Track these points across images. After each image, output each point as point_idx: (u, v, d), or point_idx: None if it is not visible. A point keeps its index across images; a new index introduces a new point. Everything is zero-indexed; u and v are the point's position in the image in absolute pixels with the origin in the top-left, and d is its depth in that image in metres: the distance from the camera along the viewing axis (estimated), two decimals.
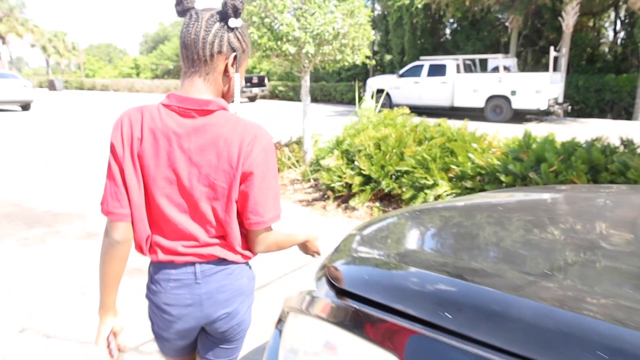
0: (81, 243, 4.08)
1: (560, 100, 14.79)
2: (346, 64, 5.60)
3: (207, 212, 1.16)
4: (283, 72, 25.43)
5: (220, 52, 1.14)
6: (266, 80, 22.55)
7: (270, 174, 1.17)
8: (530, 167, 4.06)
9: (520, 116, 14.34)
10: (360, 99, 8.14)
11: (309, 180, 5.64)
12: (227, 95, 1.24)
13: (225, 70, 1.18)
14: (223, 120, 1.15)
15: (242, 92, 21.22)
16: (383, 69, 21.49)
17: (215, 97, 1.18)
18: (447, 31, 22.18)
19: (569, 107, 14.96)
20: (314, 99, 21.46)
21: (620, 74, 16.39)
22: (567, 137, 4.64)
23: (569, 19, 15.08)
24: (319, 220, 4.70)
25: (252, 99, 22.33)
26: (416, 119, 5.61)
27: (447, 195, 4.33)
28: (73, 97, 27.85)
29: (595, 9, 18.24)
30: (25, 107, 17.87)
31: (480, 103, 14.45)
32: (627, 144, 4.26)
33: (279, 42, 5.05)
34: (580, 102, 16.40)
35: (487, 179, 4.30)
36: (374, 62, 5.56)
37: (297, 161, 6.20)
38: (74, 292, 3.17)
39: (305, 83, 5.92)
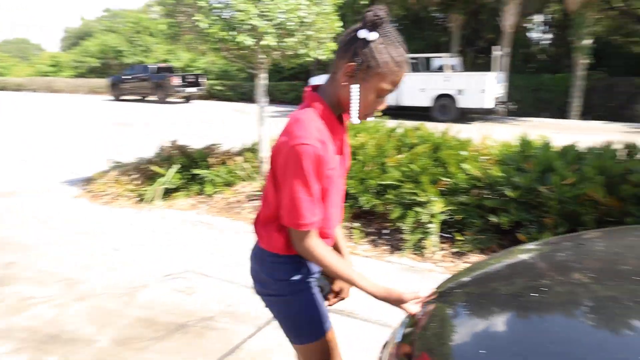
0: None
1: (503, 99, 14.92)
2: (309, 59, 4.83)
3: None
4: (220, 70, 24.13)
5: (343, 56, 1.19)
6: (202, 79, 21.21)
7: (288, 181, 1.18)
8: (536, 178, 3.51)
9: (465, 115, 14.28)
10: None
11: None
12: (347, 107, 1.23)
13: (342, 77, 1.20)
14: (297, 113, 1.23)
15: (177, 91, 19.81)
16: (324, 67, 20.90)
17: (320, 94, 1.26)
18: None
19: (512, 107, 15.14)
20: (252, 99, 20.50)
21: (555, 73, 16.88)
22: (510, 137, 4.20)
23: (509, 19, 15.26)
24: None
25: (187, 99, 20.91)
26: (391, 123, 4.96)
27: (442, 213, 3.70)
28: None
29: (531, 10, 18.73)
30: None
31: (427, 102, 14.24)
32: (631, 148, 3.84)
33: (232, 33, 4.18)
34: (520, 101, 16.70)
35: (486, 193, 3.71)
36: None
37: (254, 172, 5.35)
38: None
39: (261, 82, 5.08)
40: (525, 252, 1.52)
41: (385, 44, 1.16)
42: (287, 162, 1.18)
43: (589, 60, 14.81)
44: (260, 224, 1.37)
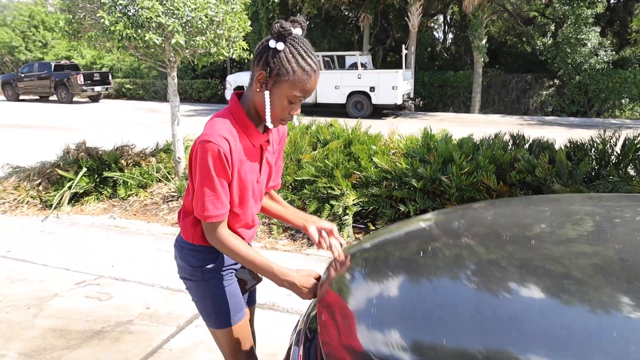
0: None
1: (412, 95, 15.75)
2: (222, 57, 4.83)
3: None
4: (129, 68, 22.97)
5: (257, 64, 1.26)
6: (110, 78, 20.07)
7: (199, 175, 1.26)
8: (438, 169, 3.83)
9: (378, 111, 14.89)
10: None
11: None
12: (261, 112, 1.29)
13: (255, 84, 1.27)
14: (216, 114, 1.32)
15: (83, 90, 18.59)
16: (241, 65, 20.66)
17: (242, 99, 1.35)
18: None
19: (421, 102, 16.03)
20: (165, 98, 19.77)
21: (457, 71, 18.11)
22: (418, 131, 4.58)
23: (414, 19, 16.10)
24: None
25: (94, 98, 19.67)
26: (305, 120, 5.10)
27: (355, 205, 3.90)
28: None
29: (434, 11, 19.90)
30: None
31: (342, 99, 14.65)
32: (518, 139, 4.31)
33: (139, 31, 4.07)
34: (427, 97, 17.73)
35: (395, 184, 3.97)
36: (252, 55, 4.85)
37: (169, 173, 5.24)
38: None
39: (173, 81, 4.99)
40: (421, 221, 1.71)
41: (292, 54, 1.22)
42: (195, 157, 1.27)
43: (486, 58, 16.06)
44: (181, 215, 1.46)
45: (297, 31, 1.24)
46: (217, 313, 1.46)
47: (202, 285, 1.45)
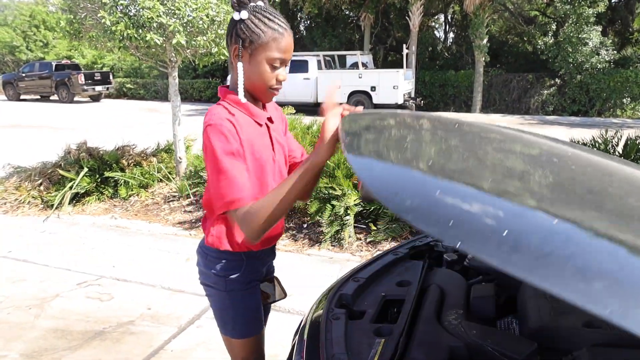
0: None
1: (413, 95, 15.74)
2: (223, 57, 4.82)
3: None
4: (130, 67, 22.98)
5: (229, 43, 1.27)
6: (111, 77, 20.06)
7: (209, 162, 1.21)
8: None
9: None
10: None
11: (188, 197, 4.74)
12: (249, 87, 1.29)
13: (233, 61, 1.26)
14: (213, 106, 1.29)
15: (84, 90, 18.61)
16: None
17: (230, 87, 1.31)
18: (301, 27, 22.22)
19: (422, 102, 16.01)
20: (166, 98, 19.79)
21: (458, 70, 18.09)
22: None
23: (415, 18, 16.08)
24: None
25: (95, 98, 19.66)
26: (306, 119, 5.09)
27: (356, 205, 3.89)
28: None
29: (435, 10, 19.89)
30: None
31: (342, 99, 14.62)
32: None
33: (140, 31, 4.07)
34: (428, 97, 17.71)
35: None
36: None
37: (170, 173, 5.24)
38: None
39: (174, 80, 4.98)
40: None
41: (258, 18, 1.21)
42: (205, 147, 1.22)
43: (487, 57, 16.03)
44: (204, 219, 1.43)
45: (259, 3, 1.24)
46: (234, 323, 1.44)
47: (224, 295, 1.41)
